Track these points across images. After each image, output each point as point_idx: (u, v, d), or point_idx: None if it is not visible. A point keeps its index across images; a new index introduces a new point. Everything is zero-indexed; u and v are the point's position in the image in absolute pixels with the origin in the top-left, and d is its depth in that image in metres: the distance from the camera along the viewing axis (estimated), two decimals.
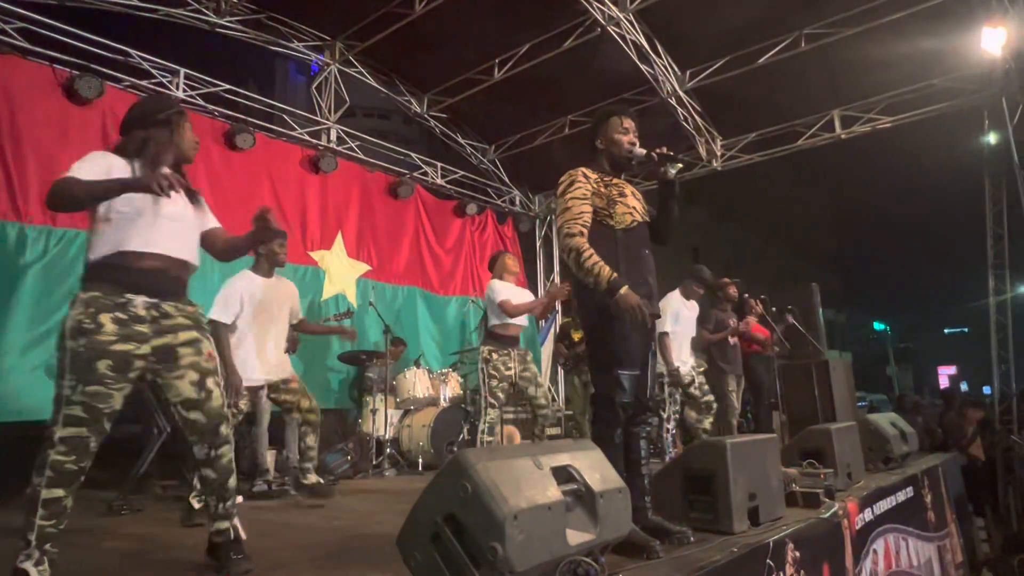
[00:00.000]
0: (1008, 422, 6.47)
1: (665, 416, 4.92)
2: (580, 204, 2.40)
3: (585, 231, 2.37)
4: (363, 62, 7.16)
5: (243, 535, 2.23)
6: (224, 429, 2.16)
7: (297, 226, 6.33)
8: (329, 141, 6.87)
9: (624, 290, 2.25)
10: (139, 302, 2.06)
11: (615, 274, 2.28)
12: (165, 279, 2.13)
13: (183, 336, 2.13)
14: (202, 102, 5.76)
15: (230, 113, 6.01)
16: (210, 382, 2.15)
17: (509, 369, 4.32)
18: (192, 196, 2.27)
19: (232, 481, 2.19)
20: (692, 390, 5.00)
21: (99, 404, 1.95)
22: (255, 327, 3.70)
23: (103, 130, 4.99)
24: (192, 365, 2.12)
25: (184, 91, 5.64)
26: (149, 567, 2.39)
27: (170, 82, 5.58)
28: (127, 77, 5.31)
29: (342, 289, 6.60)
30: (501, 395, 4.30)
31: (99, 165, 2.07)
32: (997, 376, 6.63)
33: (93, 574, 2.27)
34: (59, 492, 1.91)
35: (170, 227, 2.13)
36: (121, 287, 2.03)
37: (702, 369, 5.23)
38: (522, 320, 4.53)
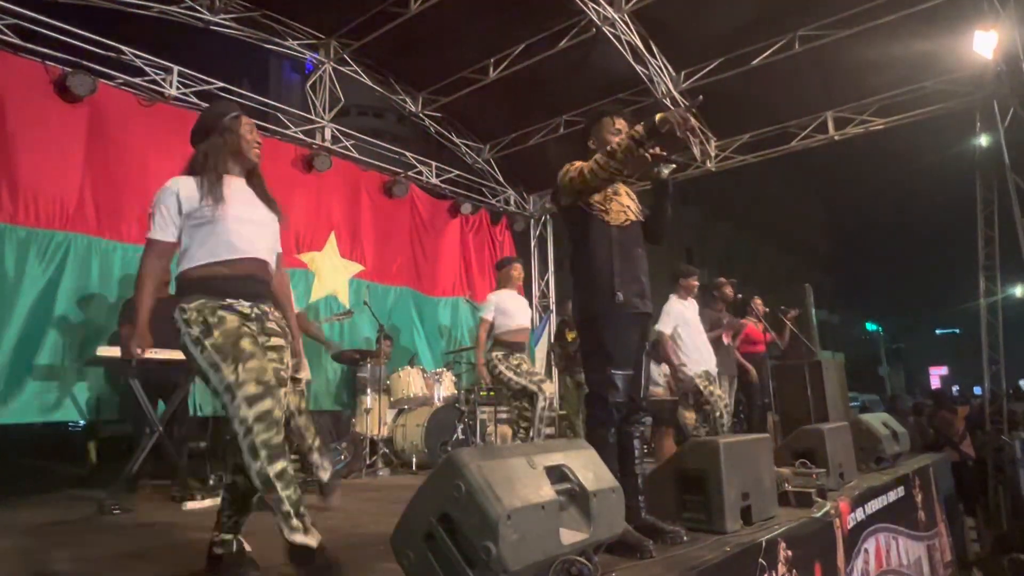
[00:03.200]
0: (999, 422, 6.52)
1: (719, 413, 4.83)
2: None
3: None
4: (358, 60, 7.15)
5: (247, 547, 2.16)
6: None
7: (289, 227, 6.30)
8: (324, 140, 6.86)
9: (658, 116, 2.26)
10: (244, 304, 2.11)
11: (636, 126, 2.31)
12: (255, 282, 2.18)
13: (273, 341, 2.17)
14: (195, 100, 5.73)
15: None
16: (280, 392, 2.12)
17: (521, 370, 4.53)
18: (268, 201, 2.32)
19: (254, 500, 2.13)
20: (706, 395, 4.88)
21: (266, 376, 1.99)
22: None
23: (94, 128, 4.96)
24: (273, 372, 2.11)
25: (178, 89, 5.62)
26: (141, 568, 2.37)
27: (163, 80, 5.55)
28: (120, 75, 5.28)
29: (333, 290, 6.58)
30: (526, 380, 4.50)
31: (168, 207, 2.13)
32: (988, 377, 6.68)
33: (85, 575, 2.26)
34: (282, 464, 1.93)
35: (246, 230, 2.18)
36: (219, 294, 2.08)
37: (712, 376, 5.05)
38: (525, 324, 4.72)
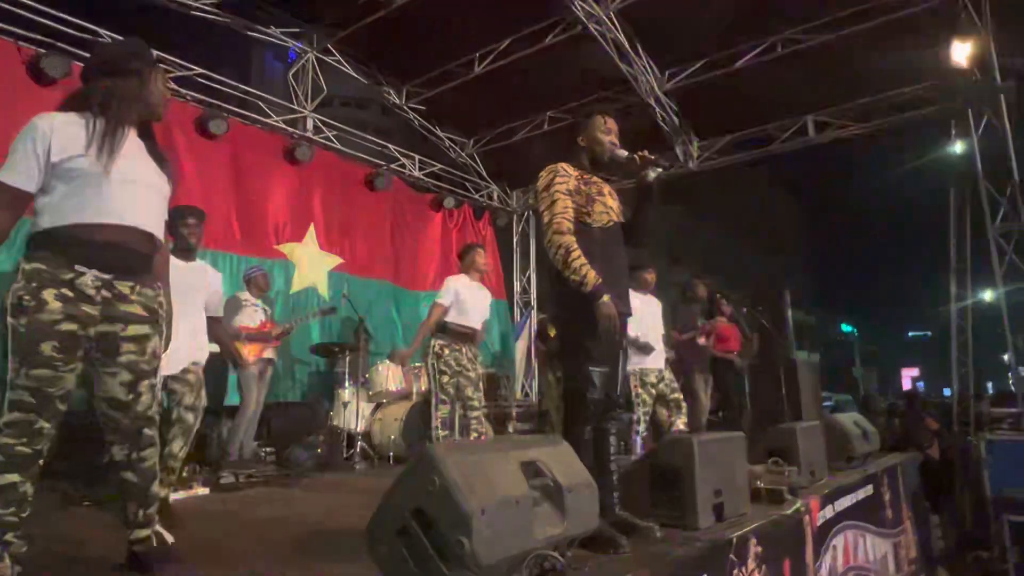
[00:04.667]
0: (965, 424, 6.68)
1: (636, 417, 4.88)
2: (566, 199, 2.41)
3: (572, 228, 2.38)
4: (342, 51, 7.08)
5: (169, 539, 2.09)
6: (149, 431, 1.99)
7: (267, 217, 6.24)
8: (305, 130, 6.78)
9: (606, 299, 2.28)
10: (88, 279, 1.82)
11: (600, 279, 2.30)
12: (122, 253, 1.88)
13: (131, 330, 1.92)
14: (174, 86, 5.63)
15: (203, 98, 5.89)
16: (143, 385, 1.95)
17: (460, 365, 4.33)
18: (160, 160, 2.03)
19: (155, 487, 2.04)
20: (662, 387, 4.93)
21: (48, 388, 1.77)
22: None
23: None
24: (128, 365, 1.92)
25: None
26: (108, 558, 2.34)
27: None
28: None
29: (313, 283, 6.54)
30: (452, 391, 4.31)
31: (34, 148, 1.82)
32: (957, 379, 6.85)
33: (53, 566, 2.22)
34: (13, 477, 1.74)
35: (129, 192, 1.88)
36: (69, 259, 1.81)
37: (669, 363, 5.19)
38: (480, 317, 4.51)
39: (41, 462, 1.82)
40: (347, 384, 5.61)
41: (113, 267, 1.88)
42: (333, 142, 7.09)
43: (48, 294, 1.78)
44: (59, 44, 4.83)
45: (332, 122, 7.19)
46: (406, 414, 5.46)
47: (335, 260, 6.80)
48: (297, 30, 6.75)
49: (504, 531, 1.54)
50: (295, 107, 6.79)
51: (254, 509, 3.37)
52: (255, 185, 6.16)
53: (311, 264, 6.55)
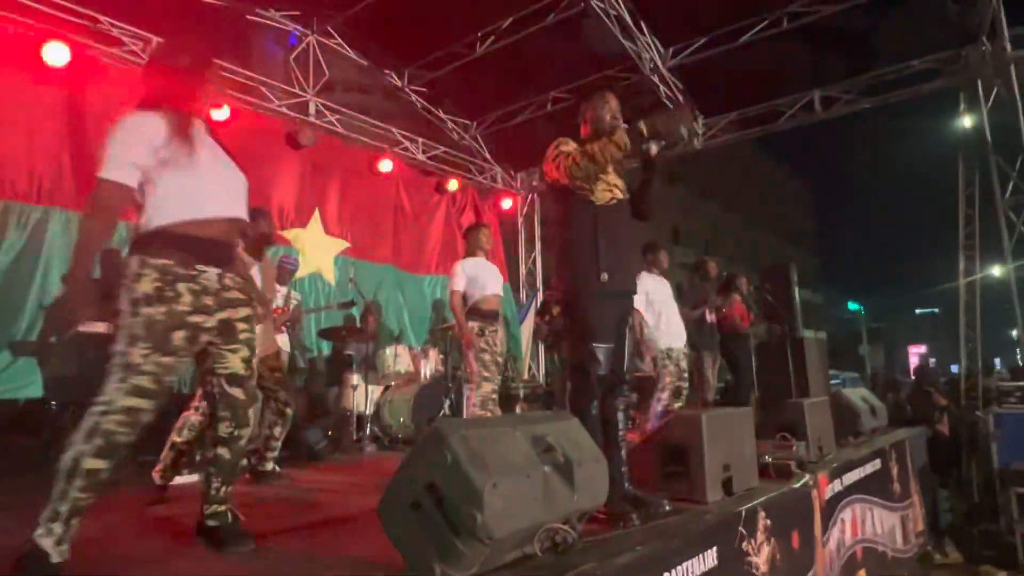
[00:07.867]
0: (974, 399, 6.67)
1: (660, 386, 4.90)
2: (571, 153, 2.43)
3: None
4: (343, 34, 7.01)
5: (242, 517, 2.17)
6: (252, 412, 2.11)
7: (271, 203, 6.24)
8: (308, 114, 6.75)
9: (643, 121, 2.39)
10: (212, 274, 1.97)
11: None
12: (226, 247, 2.04)
13: (241, 311, 2.07)
14: None
15: None
16: (255, 362, 2.11)
17: (494, 344, 4.34)
18: (232, 160, 2.15)
19: (239, 465, 2.15)
20: (682, 366, 5.02)
21: (168, 377, 1.89)
22: None
23: (71, 97, 4.85)
24: (247, 342, 2.07)
25: None
26: (130, 542, 2.38)
27: (141, 50, 5.41)
28: (96, 44, 5.14)
29: (318, 268, 6.54)
30: (495, 368, 4.32)
31: (133, 143, 1.88)
32: (964, 355, 6.82)
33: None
34: (103, 464, 1.78)
35: (226, 182, 2.04)
36: (193, 258, 1.92)
37: (686, 351, 5.22)
38: (497, 291, 4.52)
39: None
40: (355, 367, 5.64)
41: (223, 261, 2.01)
42: (336, 126, 7.05)
43: (182, 287, 1.90)
44: (59, 31, 4.80)
45: (335, 106, 7.15)
46: (415, 396, 5.49)
47: (341, 244, 6.80)
48: (297, 13, 6.69)
49: (515, 504, 1.56)
50: (298, 92, 6.75)
51: (262, 491, 3.41)
52: (258, 171, 6.12)
53: (316, 249, 6.55)
